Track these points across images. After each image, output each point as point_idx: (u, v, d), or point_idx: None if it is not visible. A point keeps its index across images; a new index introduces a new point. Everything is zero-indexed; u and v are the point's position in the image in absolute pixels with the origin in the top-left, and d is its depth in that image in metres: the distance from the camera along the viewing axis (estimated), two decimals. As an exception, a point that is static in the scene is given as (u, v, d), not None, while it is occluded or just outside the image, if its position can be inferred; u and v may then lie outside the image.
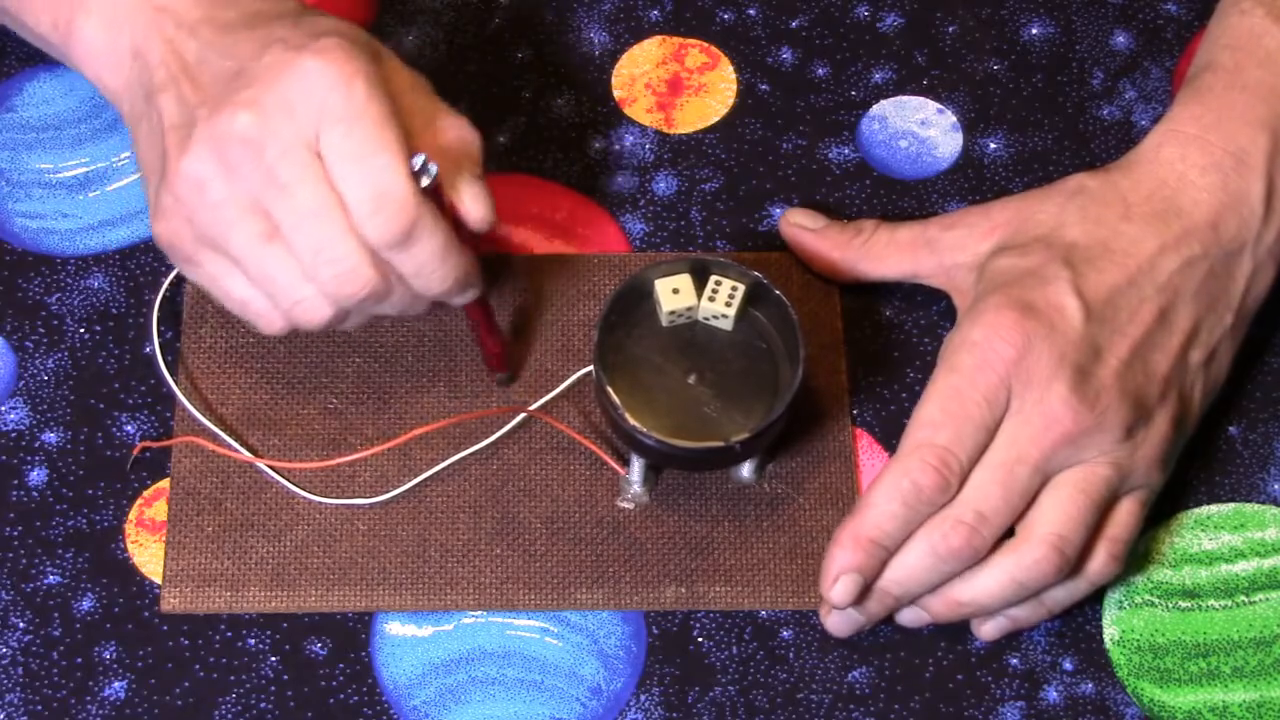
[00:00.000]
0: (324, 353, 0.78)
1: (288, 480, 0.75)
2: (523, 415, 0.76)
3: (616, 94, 0.86)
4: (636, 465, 0.75)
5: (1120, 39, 0.88)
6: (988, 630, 0.73)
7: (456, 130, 0.71)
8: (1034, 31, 0.88)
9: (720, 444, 0.71)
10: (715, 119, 0.85)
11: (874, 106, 0.86)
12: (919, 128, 0.86)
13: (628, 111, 0.85)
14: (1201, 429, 0.79)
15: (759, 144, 0.85)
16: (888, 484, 0.71)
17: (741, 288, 0.73)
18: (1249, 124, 0.76)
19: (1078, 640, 0.75)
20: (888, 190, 0.84)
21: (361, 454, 0.75)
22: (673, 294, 0.73)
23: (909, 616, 0.73)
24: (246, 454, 0.76)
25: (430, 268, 0.68)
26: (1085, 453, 0.71)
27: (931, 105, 0.86)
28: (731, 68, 0.87)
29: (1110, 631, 0.75)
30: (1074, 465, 0.71)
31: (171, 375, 0.78)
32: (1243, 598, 0.75)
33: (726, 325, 0.74)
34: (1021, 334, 0.71)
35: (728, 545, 0.75)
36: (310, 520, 0.75)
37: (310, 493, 0.75)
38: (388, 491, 0.75)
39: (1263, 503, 0.77)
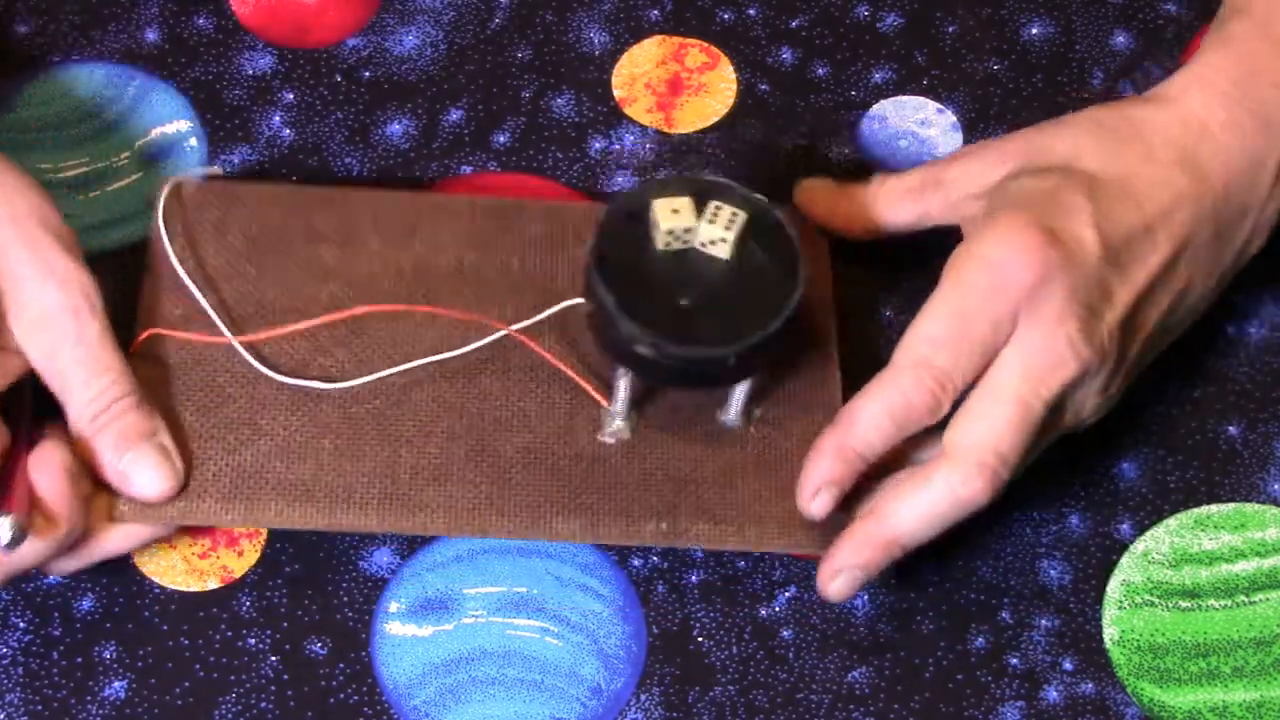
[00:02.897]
0: (297, 279, 0.76)
1: (255, 359, 0.74)
2: (501, 333, 0.74)
3: (616, 94, 0.86)
4: (620, 394, 0.73)
5: (1120, 39, 0.88)
6: (839, 586, 0.71)
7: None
8: (1034, 31, 0.88)
9: (716, 352, 0.69)
10: (715, 119, 0.85)
11: (874, 106, 0.86)
12: (919, 128, 0.86)
13: (628, 111, 0.85)
14: (1201, 429, 0.79)
15: (759, 144, 0.85)
16: (878, 396, 0.69)
17: (742, 214, 0.71)
18: (1275, 85, 0.73)
19: (1078, 640, 0.75)
20: (888, 190, 0.84)
21: (330, 317, 0.73)
22: (671, 213, 0.71)
23: (843, 582, 0.71)
24: (221, 331, 0.74)
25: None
26: (1075, 397, 0.70)
27: (931, 105, 0.86)
28: (731, 68, 0.87)
29: (1110, 631, 0.75)
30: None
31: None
32: (1243, 598, 0.75)
33: (724, 253, 0.71)
34: (1042, 261, 0.69)
35: (711, 484, 0.74)
36: (273, 436, 0.73)
37: (277, 372, 0.74)
38: (353, 378, 0.74)
39: (1263, 503, 0.77)
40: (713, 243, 0.71)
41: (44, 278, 0.70)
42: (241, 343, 0.74)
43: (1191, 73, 0.75)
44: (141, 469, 0.70)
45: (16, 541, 0.67)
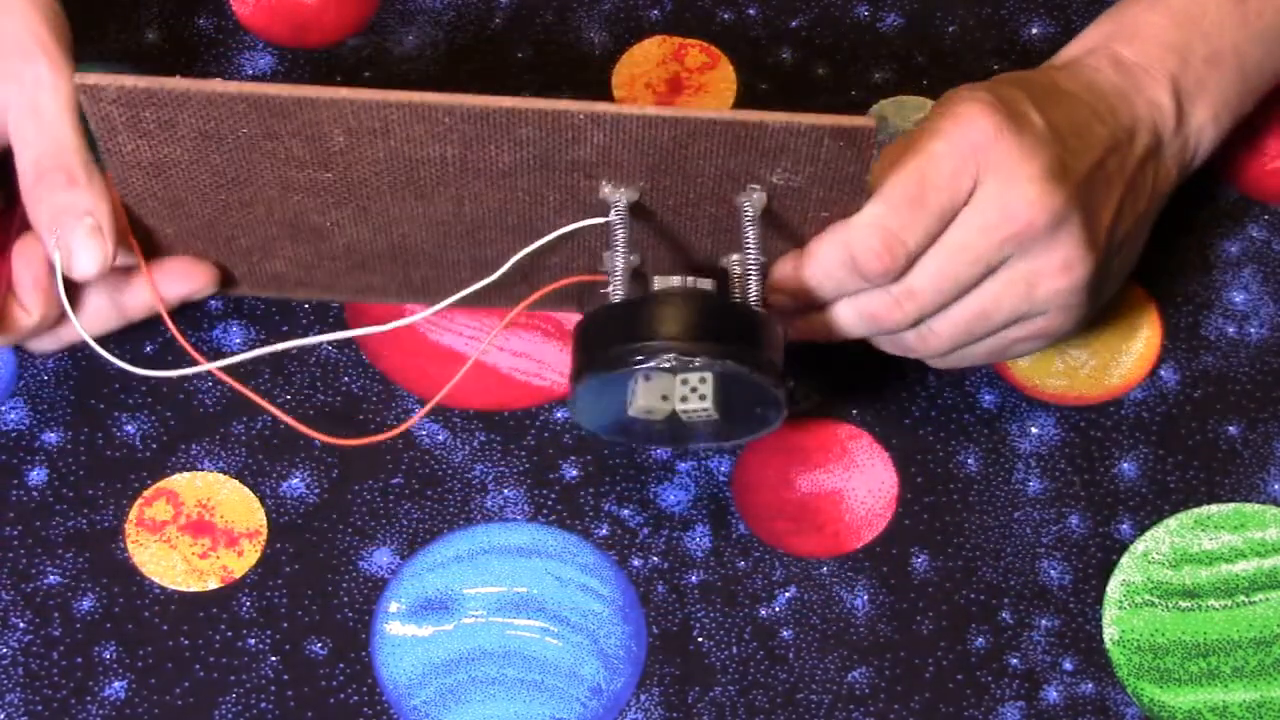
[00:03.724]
0: (267, 175, 0.71)
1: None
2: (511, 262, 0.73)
3: (616, 94, 0.86)
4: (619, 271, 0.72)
5: (1120, 39, 0.88)
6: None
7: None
8: (1034, 31, 0.88)
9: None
10: (715, 119, 0.85)
11: (874, 106, 0.86)
12: (926, 118, 0.85)
13: (628, 111, 0.85)
14: (1201, 429, 0.79)
15: (759, 144, 0.85)
16: (835, 245, 0.71)
17: (709, 375, 0.70)
18: (1159, 44, 0.77)
19: (1078, 640, 0.75)
20: (888, 190, 0.84)
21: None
22: (646, 414, 0.70)
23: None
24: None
25: None
26: (1025, 261, 0.71)
27: (931, 105, 0.86)
28: (731, 68, 0.87)
29: (1110, 631, 0.75)
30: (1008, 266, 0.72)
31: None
32: (1243, 598, 0.75)
33: (707, 412, 0.70)
34: (994, 122, 0.70)
35: None
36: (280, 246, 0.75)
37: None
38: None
39: (1263, 503, 0.77)
40: (693, 410, 0.70)
41: (19, 48, 0.70)
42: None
43: (1077, 43, 0.78)
44: (70, 246, 0.70)
45: None
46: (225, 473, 0.77)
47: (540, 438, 0.78)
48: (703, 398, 0.69)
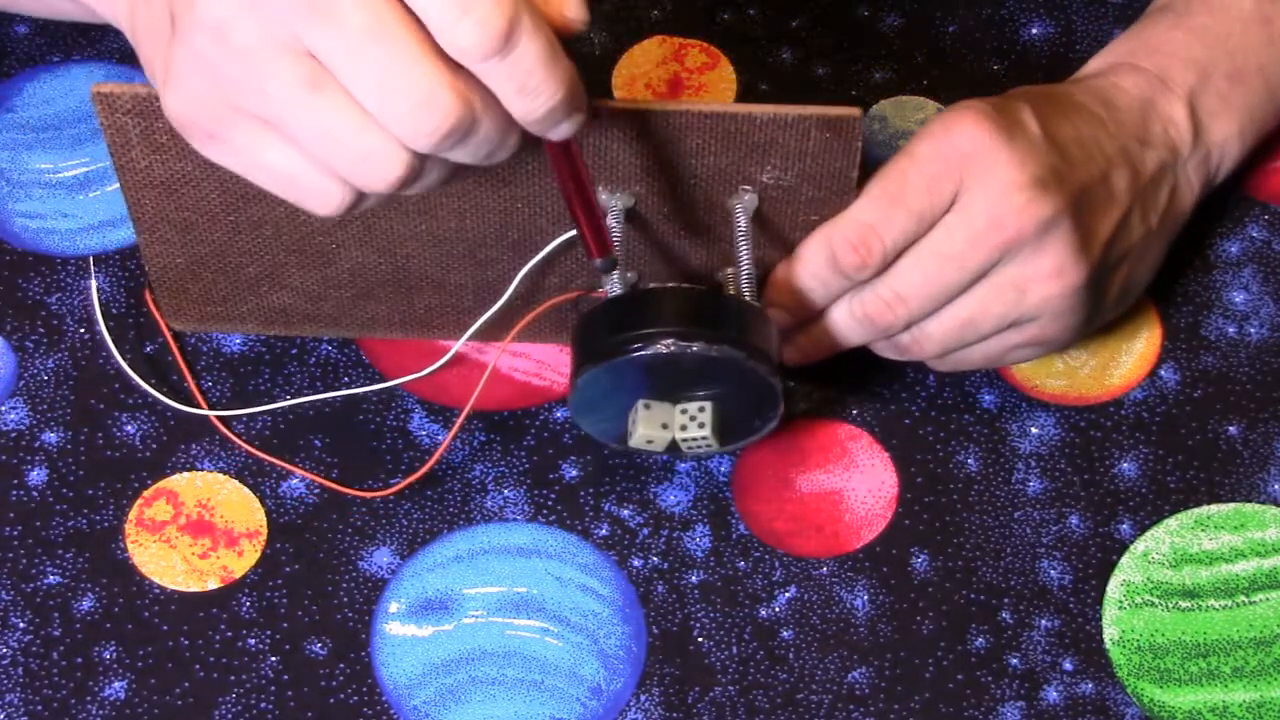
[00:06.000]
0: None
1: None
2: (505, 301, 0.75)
3: (617, 94, 0.86)
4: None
5: (1120, 39, 0.88)
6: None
7: None
8: (1034, 31, 0.88)
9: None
10: (715, 119, 0.85)
11: (874, 106, 0.86)
12: (919, 128, 0.85)
13: (628, 111, 0.85)
14: (1201, 429, 0.79)
15: (759, 144, 0.85)
16: (816, 244, 0.72)
17: (709, 406, 0.71)
18: (1181, 60, 0.77)
19: (1078, 640, 0.75)
20: (888, 190, 0.84)
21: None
22: (647, 444, 0.72)
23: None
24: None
25: (537, 76, 0.57)
26: (1014, 266, 0.71)
27: (931, 105, 0.86)
28: (731, 68, 0.87)
29: (1110, 631, 0.75)
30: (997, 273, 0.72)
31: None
32: (1243, 598, 0.75)
33: (708, 443, 0.71)
34: (984, 131, 0.70)
35: None
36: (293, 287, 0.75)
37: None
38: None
39: (1263, 503, 0.77)
40: (693, 439, 0.71)
41: None
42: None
43: (1098, 60, 0.79)
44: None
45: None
46: (225, 473, 0.77)
47: (540, 438, 0.78)
48: (701, 425, 0.70)
